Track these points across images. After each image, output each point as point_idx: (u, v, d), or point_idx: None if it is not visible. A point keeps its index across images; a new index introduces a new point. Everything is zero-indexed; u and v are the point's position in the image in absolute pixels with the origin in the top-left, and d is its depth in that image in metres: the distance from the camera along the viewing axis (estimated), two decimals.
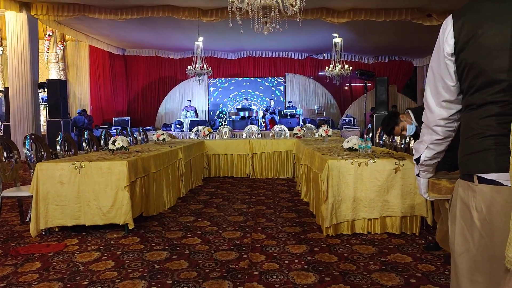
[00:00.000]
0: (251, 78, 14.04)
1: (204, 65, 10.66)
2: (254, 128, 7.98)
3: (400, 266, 2.42)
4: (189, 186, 5.20)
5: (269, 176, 6.20)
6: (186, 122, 11.78)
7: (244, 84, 13.98)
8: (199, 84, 11.77)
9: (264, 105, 13.56)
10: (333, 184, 2.97)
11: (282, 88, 13.98)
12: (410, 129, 2.72)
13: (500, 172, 0.97)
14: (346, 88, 14.51)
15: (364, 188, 2.97)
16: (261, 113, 12.84)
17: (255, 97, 13.93)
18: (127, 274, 2.33)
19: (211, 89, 13.94)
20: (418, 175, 1.40)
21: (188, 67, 10.75)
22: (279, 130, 7.86)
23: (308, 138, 6.70)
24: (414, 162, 1.37)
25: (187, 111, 12.28)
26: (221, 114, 13.87)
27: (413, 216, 3.01)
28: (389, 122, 2.79)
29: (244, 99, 12.78)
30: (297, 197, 4.61)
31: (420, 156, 1.30)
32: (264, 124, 12.19)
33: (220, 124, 13.06)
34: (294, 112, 12.14)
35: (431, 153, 1.28)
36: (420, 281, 2.20)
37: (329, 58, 13.40)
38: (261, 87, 13.91)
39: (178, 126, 11.57)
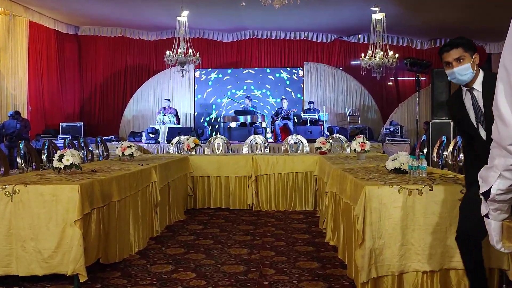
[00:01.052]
0: (256, 69, 14.22)
1: (190, 50, 10.81)
2: (259, 139, 8.01)
3: None
4: (166, 222, 5.21)
5: (280, 209, 6.22)
6: (163, 130, 11.87)
7: (246, 77, 14.14)
8: (182, 76, 11.88)
9: (274, 106, 13.67)
10: (373, 220, 2.96)
11: (299, 83, 14.11)
12: None
13: None
14: (391, 83, 14.61)
15: (416, 227, 2.96)
16: (269, 118, 12.91)
17: (261, 95, 14.06)
18: None
19: (199, 83, 14.10)
20: (487, 215, 1.38)
21: (167, 52, 10.92)
22: (295, 143, 7.88)
23: (336, 154, 6.72)
24: (482, 197, 1.35)
25: (165, 115, 12.40)
26: (212, 119, 13.99)
27: (487, 269, 2.98)
28: None
29: (246, 98, 12.88)
30: (320, 239, 4.61)
31: (490, 188, 1.29)
32: (273, 134, 12.23)
33: (211, 133, 13.14)
34: (316, 117, 12.21)
35: (506, 184, 1.26)
36: None
37: (366, 42, 13.56)
38: (269, 82, 14.05)
39: (151, 135, 11.67)
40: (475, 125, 2.48)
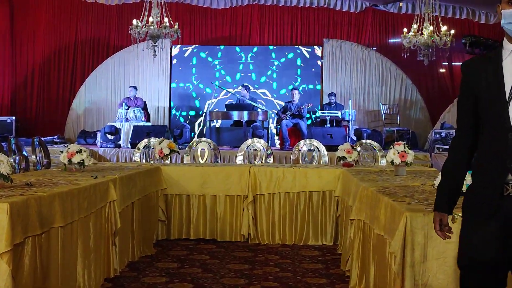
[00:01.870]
0: (257, 48, 14.26)
1: (166, 20, 10.82)
2: (259, 144, 8.00)
3: None
4: (128, 257, 5.19)
5: (287, 242, 6.20)
6: (126, 130, 11.86)
7: (243, 57, 14.17)
8: (154, 56, 11.90)
9: (281, 99, 13.68)
10: (415, 260, 2.95)
11: (316, 68, 14.12)
12: None
13: None
14: (443, 71, 14.63)
15: None
16: (274, 116, 12.90)
17: (263, 83, 14.08)
18: None
19: (178, 66, 14.14)
20: None
21: (134, 22, 10.92)
22: (309, 150, 7.85)
23: (365, 167, 6.72)
24: None
25: (128, 108, 12.41)
26: (195, 116, 13.99)
27: None
28: None
29: (242, 86, 12.89)
30: (342, 285, 4.59)
31: None
32: (279, 138, 12.22)
33: (192, 135, 13.12)
34: (339, 115, 12.22)
35: None
36: None
37: (409, 12, 13.58)
38: (274, 65, 14.07)
39: (109, 136, 11.65)
40: (507, 102, 2.31)
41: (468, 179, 2.54)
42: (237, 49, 14.14)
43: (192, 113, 14.13)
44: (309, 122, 13.29)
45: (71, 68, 14.47)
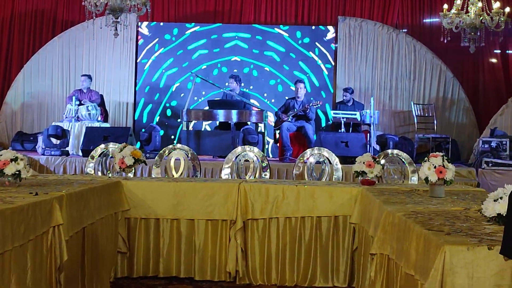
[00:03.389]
0: (251, 27, 14.33)
1: None
2: (252, 153, 8.01)
3: None
4: None
5: (287, 283, 6.20)
6: (76, 132, 11.84)
7: (232, 40, 14.21)
8: (115, 35, 11.88)
9: (282, 95, 13.68)
10: None
11: (328, 54, 14.15)
12: None
13: None
14: (495, 61, 14.66)
15: None
16: (271, 116, 12.90)
17: (259, 74, 14.11)
18: None
19: (146, 49, 14.15)
20: None
21: None
22: (318, 162, 7.86)
23: (391, 185, 6.72)
24: None
25: (80, 104, 12.39)
26: (167, 116, 13.97)
27: None
28: None
29: (231, 77, 12.89)
30: None
31: None
32: (278, 144, 12.21)
33: (164, 140, 13.08)
34: (357, 116, 12.22)
35: None
36: None
37: None
38: (274, 51, 14.10)
39: (54, 140, 11.62)
40: None
41: None
42: (225, 28, 14.19)
43: (165, 112, 14.13)
44: (318, 125, 13.30)
45: (5, 51, 14.48)
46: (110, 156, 7.84)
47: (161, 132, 12.95)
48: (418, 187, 6.20)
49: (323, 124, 13.85)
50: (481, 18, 10.82)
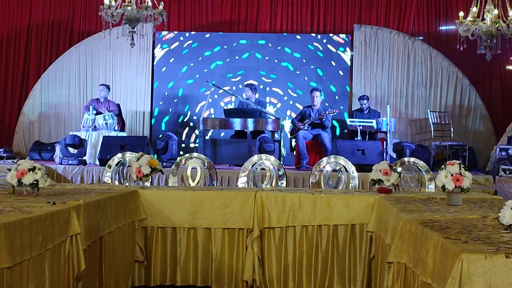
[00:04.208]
0: (266, 35, 14.33)
1: None
2: (268, 161, 7.99)
3: None
4: None
5: None
6: (94, 141, 11.87)
7: (248, 49, 14.22)
8: (132, 45, 11.93)
9: (297, 103, 13.66)
10: None
11: (343, 62, 14.15)
12: None
13: None
14: (511, 68, 14.56)
15: None
16: (287, 125, 12.87)
17: (274, 82, 14.10)
18: None
19: (163, 59, 14.19)
20: None
21: (105, 1, 10.92)
22: (334, 171, 7.83)
23: (408, 193, 6.67)
24: None
25: (97, 113, 12.43)
26: (184, 125, 13.99)
27: None
28: None
29: (247, 86, 12.91)
30: None
31: None
32: (294, 154, 12.19)
33: (181, 149, 13.10)
34: (374, 124, 12.18)
35: None
36: None
37: None
38: (290, 59, 14.13)
39: (72, 150, 11.67)
40: None
41: None
42: (240, 37, 14.21)
43: (181, 120, 14.16)
44: (334, 133, 13.28)
45: (23, 61, 14.53)
46: (127, 165, 7.86)
47: (177, 141, 12.95)
48: (435, 195, 6.18)
49: (338, 133, 13.83)
50: (497, 25, 10.79)
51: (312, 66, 14.11)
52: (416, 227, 4.01)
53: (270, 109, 13.47)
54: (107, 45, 13.60)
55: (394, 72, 13.96)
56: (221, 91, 13.51)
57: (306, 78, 14.04)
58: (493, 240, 3.33)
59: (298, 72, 14.12)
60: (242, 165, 8.13)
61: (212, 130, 12.97)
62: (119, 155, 8.06)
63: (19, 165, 5.22)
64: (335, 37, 14.16)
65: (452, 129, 13.17)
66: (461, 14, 11.17)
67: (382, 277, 5.11)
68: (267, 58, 14.17)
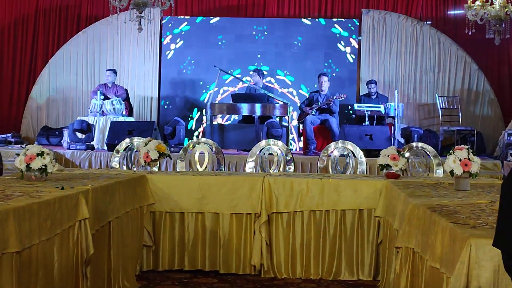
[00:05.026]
0: (272, 20, 14.31)
1: None
2: (276, 147, 8.00)
3: None
4: None
5: (312, 276, 6.19)
6: (101, 126, 11.89)
7: (255, 34, 14.20)
8: (139, 30, 11.91)
9: (305, 89, 13.66)
10: None
11: (352, 47, 14.11)
12: None
13: None
14: None
15: None
16: (295, 110, 12.85)
17: (281, 67, 14.09)
18: None
19: (170, 44, 14.15)
20: None
21: None
22: (342, 156, 7.84)
23: (416, 178, 6.68)
24: None
25: (105, 98, 12.44)
26: (191, 110, 14.00)
27: None
28: None
29: (254, 71, 12.89)
30: None
31: None
32: (302, 139, 12.18)
33: (188, 134, 13.10)
34: (382, 109, 12.16)
35: None
36: None
37: None
38: (297, 44, 14.07)
39: (80, 135, 11.69)
40: None
41: None
42: (247, 22, 14.19)
43: (189, 106, 14.16)
44: (341, 118, 13.26)
45: (31, 46, 14.54)
46: (135, 150, 7.87)
47: (185, 126, 12.98)
48: (443, 180, 6.17)
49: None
50: (506, 9, 10.74)
51: (319, 51, 14.07)
52: (424, 212, 4.01)
53: (279, 94, 13.46)
54: (115, 30, 13.63)
55: (402, 57, 13.91)
56: (230, 79, 13.51)
57: (313, 63, 14.00)
58: None
59: (305, 56, 14.08)
60: (250, 150, 8.15)
61: (220, 116, 12.95)
62: (127, 140, 8.08)
63: (27, 150, 5.24)
64: (343, 22, 14.11)
65: (460, 114, 13.14)
66: None
67: (390, 262, 5.12)
68: (274, 43, 14.13)
